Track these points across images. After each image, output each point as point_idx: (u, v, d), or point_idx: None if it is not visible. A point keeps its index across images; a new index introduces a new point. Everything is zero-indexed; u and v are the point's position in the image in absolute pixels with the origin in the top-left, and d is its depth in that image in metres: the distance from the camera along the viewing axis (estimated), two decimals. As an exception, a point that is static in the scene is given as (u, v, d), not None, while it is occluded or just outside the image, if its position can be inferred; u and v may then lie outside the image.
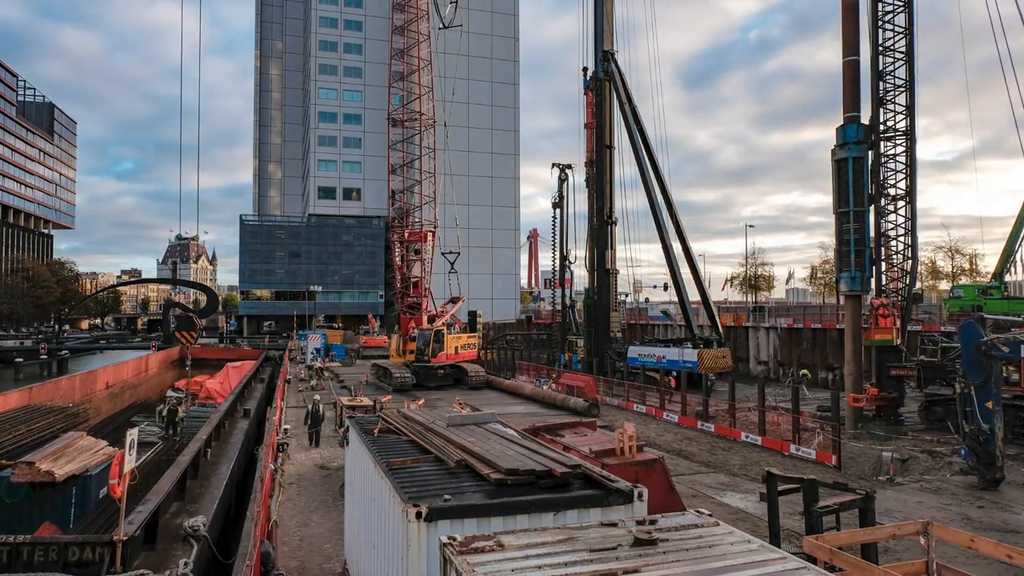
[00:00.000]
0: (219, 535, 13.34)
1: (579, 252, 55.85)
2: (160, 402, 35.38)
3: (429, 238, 56.16)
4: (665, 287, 50.66)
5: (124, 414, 34.33)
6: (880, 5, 27.82)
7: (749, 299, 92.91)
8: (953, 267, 76.21)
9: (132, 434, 9.10)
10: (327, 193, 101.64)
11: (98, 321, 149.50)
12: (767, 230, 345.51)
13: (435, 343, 39.91)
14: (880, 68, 27.90)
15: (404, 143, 61.90)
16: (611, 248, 46.69)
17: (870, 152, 27.87)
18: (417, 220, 58.11)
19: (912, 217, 27.65)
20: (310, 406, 23.76)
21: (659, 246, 43.03)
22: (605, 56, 46.04)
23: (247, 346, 72.86)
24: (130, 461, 8.87)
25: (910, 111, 27.43)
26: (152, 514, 10.74)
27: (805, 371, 43.44)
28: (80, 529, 11.88)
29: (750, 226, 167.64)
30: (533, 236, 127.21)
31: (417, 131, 60.13)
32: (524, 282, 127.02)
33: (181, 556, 9.52)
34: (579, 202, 55.20)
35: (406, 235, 55.70)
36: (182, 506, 13.70)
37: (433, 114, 61.64)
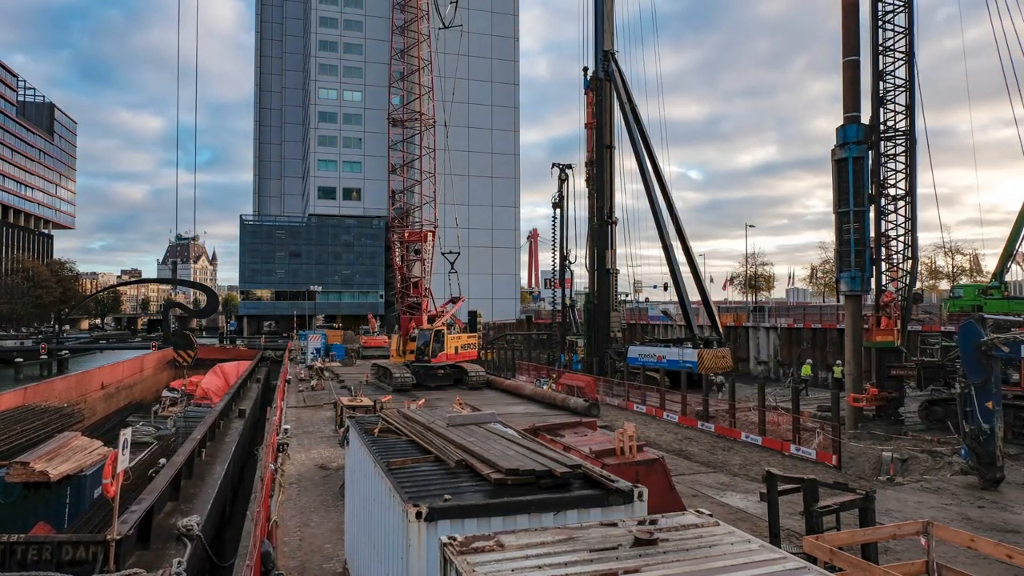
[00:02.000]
0: (214, 535, 13.33)
1: (579, 252, 55.90)
2: (156, 402, 35.42)
3: (429, 238, 56.13)
4: (665, 287, 50.65)
5: (119, 414, 34.32)
6: (880, 5, 27.81)
7: (749, 299, 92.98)
8: (953, 267, 76.30)
9: (125, 434, 9.09)
10: (327, 193, 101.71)
11: (98, 321, 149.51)
12: (815, 226, 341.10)
13: (435, 343, 39.92)
14: (880, 68, 27.90)
15: (404, 143, 61.90)
16: (611, 248, 46.70)
17: (870, 152, 27.87)
18: (417, 220, 58.08)
19: (912, 217, 27.63)
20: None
21: (659, 245, 43.06)
22: (605, 56, 46.03)
23: (244, 346, 72.85)
24: (123, 461, 8.85)
25: (910, 111, 27.41)
26: (146, 514, 10.74)
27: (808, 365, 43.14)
28: (75, 529, 11.87)
29: (750, 226, 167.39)
30: (533, 236, 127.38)
31: (417, 131, 60.07)
32: (524, 282, 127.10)
33: (175, 555, 9.51)
34: (580, 198, 55.16)
35: (406, 235, 55.68)
36: (176, 506, 13.69)
37: (433, 114, 61.61)
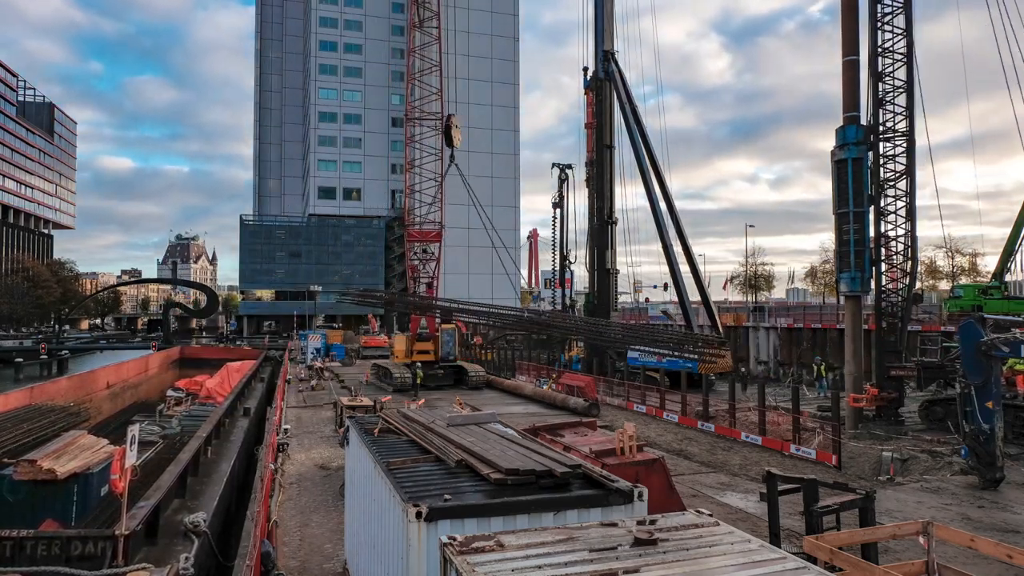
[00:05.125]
0: (220, 532, 13.39)
1: (579, 252, 55.96)
2: (160, 402, 35.42)
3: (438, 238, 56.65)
4: (665, 287, 50.75)
5: (125, 413, 34.34)
6: (879, 6, 27.83)
7: (749, 299, 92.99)
8: (953, 267, 76.29)
9: (133, 430, 9.15)
10: (327, 193, 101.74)
11: (98, 321, 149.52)
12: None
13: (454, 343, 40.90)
14: (880, 69, 27.91)
15: (413, 143, 61.86)
16: (611, 248, 46.76)
17: (870, 153, 27.89)
18: (427, 220, 58.12)
19: (912, 217, 27.67)
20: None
21: (658, 246, 43.12)
22: (606, 56, 46.06)
23: (247, 346, 72.90)
24: (131, 456, 8.91)
25: (909, 112, 27.43)
26: (153, 510, 10.81)
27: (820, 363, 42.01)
28: (82, 526, 11.92)
29: (750, 226, 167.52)
30: (533, 236, 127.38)
31: (430, 131, 60.12)
32: (524, 282, 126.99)
33: (182, 551, 9.56)
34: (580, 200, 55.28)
35: (417, 235, 55.96)
36: (183, 503, 13.76)
37: (443, 111, 61.49)
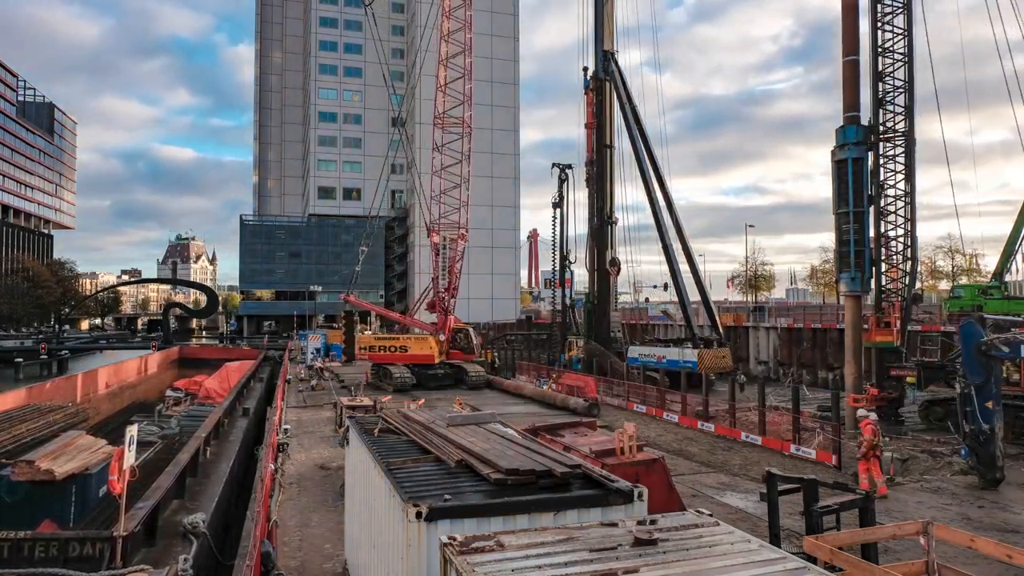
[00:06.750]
0: (219, 533, 13.39)
1: (579, 252, 55.84)
2: (160, 402, 35.43)
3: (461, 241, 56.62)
4: (665, 287, 50.66)
5: (124, 414, 34.34)
6: (880, 6, 27.81)
7: (749, 299, 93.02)
8: (953, 267, 76.33)
9: (131, 430, 9.11)
10: (327, 193, 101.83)
11: (98, 321, 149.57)
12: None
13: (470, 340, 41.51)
14: (880, 69, 27.89)
15: (441, 147, 61.43)
16: (611, 248, 46.74)
17: (870, 153, 27.87)
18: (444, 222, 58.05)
19: (912, 217, 27.65)
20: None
21: (658, 246, 43.09)
22: (605, 56, 46.06)
23: (246, 346, 72.90)
24: (129, 457, 8.89)
25: (909, 112, 27.41)
26: (152, 511, 10.79)
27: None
28: (81, 527, 11.91)
29: (750, 226, 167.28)
30: (533, 236, 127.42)
31: (458, 136, 59.74)
32: (524, 282, 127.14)
33: (181, 552, 9.54)
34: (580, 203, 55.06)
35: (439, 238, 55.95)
36: (182, 503, 13.74)
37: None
